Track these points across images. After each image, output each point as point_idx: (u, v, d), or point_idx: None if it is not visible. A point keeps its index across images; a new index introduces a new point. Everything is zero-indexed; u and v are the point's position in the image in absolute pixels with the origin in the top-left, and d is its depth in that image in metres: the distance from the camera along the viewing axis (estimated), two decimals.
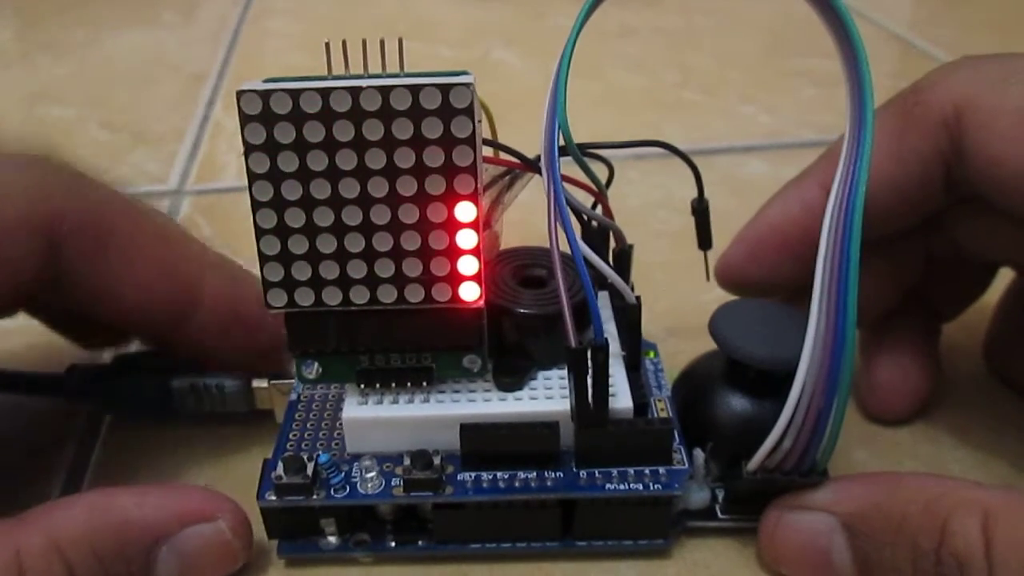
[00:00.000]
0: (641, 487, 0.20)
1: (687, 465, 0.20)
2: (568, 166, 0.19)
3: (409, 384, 0.21)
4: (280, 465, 0.20)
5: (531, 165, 0.21)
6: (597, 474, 0.20)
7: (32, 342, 0.26)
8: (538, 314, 0.21)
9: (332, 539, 0.21)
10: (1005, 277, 0.26)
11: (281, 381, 0.24)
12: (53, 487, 0.24)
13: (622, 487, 0.20)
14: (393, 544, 0.21)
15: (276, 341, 0.23)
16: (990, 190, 0.20)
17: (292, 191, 0.18)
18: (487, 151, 0.20)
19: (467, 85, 0.17)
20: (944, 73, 0.21)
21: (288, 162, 0.18)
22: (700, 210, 0.24)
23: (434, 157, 0.18)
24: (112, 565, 0.18)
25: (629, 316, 0.21)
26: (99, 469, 0.24)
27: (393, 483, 0.20)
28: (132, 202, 0.22)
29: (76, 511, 0.18)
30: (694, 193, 0.24)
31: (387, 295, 0.19)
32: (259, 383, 0.24)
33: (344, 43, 0.17)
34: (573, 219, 0.19)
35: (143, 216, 0.22)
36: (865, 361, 0.25)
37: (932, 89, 0.21)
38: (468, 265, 0.19)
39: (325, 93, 0.17)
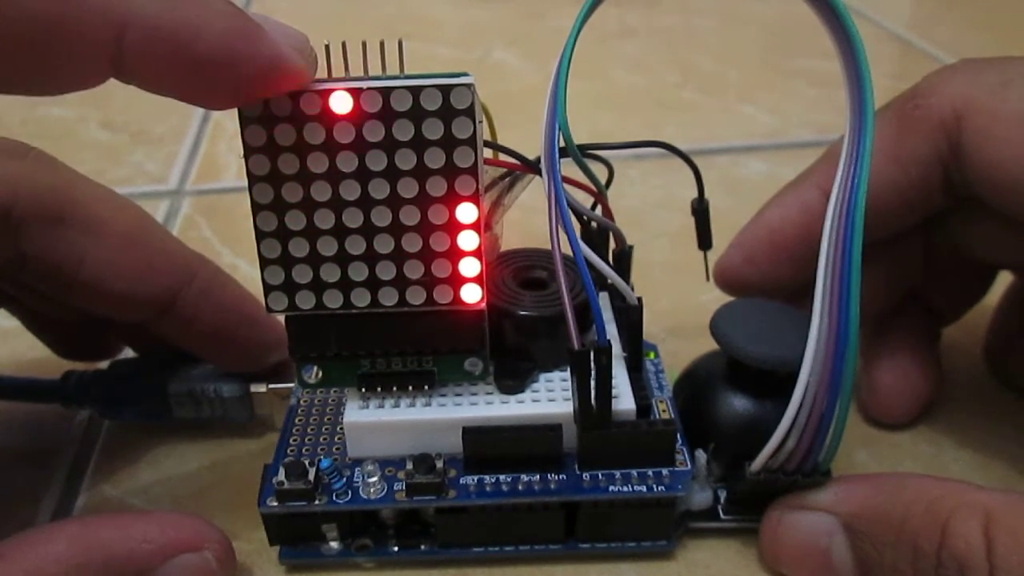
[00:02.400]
0: (644, 489, 0.20)
1: (689, 466, 0.20)
2: (568, 167, 0.19)
3: (411, 388, 0.21)
4: (282, 470, 0.20)
5: (531, 166, 0.21)
6: (600, 476, 0.20)
7: (32, 342, 0.26)
8: (540, 316, 0.21)
9: (334, 544, 0.21)
10: (1005, 278, 0.26)
11: (280, 385, 0.24)
12: (51, 494, 0.24)
13: (625, 489, 0.20)
14: (396, 549, 0.21)
15: (263, 331, 0.23)
16: (988, 193, 0.20)
17: (292, 193, 0.18)
18: (487, 152, 0.20)
19: (468, 86, 0.17)
20: (943, 77, 0.21)
21: (288, 164, 0.18)
22: (700, 210, 0.24)
23: (435, 158, 0.18)
24: None
25: (630, 317, 0.21)
26: (97, 475, 0.24)
27: (395, 487, 0.20)
28: (98, 184, 0.22)
29: (57, 547, 0.17)
30: (694, 193, 0.24)
31: (388, 298, 0.19)
32: (257, 388, 0.24)
33: (344, 44, 0.17)
34: (573, 220, 0.19)
35: (109, 194, 0.22)
36: (866, 365, 0.25)
37: (931, 92, 0.21)
38: (470, 267, 0.19)
39: (325, 95, 0.17)
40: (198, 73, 0.15)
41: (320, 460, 0.20)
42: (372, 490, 0.20)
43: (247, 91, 0.16)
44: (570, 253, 0.19)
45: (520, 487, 0.20)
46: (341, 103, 0.17)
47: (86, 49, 0.14)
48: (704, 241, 0.25)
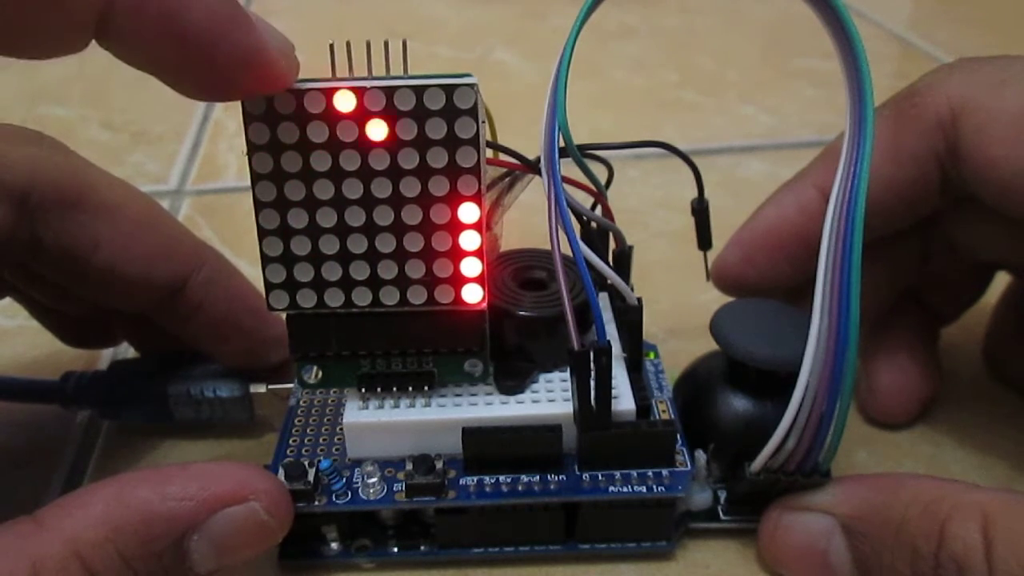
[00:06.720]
0: (644, 489, 0.20)
1: (689, 466, 0.20)
2: (568, 167, 0.19)
3: (411, 388, 0.21)
4: (281, 471, 0.20)
5: (531, 167, 0.21)
6: (600, 477, 0.20)
7: (32, 342, 0.26)
8: (540, 316, 0.21)
9: (334, 545, 0.21)
10: (1004, 277, 0.26)
11: (279, 386, 0.24)
12: (51, 494, 0.24)
13: (625, 489, 0.20)
14: (395, 550, 0.21)
15: (267, 324, 0.23)
16: (986, 191, 0.20)
17: (295, 192, 0.18)
18: (487, 152, 0.20)
19: (471, 86, 0.17)
20: (940, 75, 0.21)
21: (291, 162, 0.18)
22: (700, 210, 0.24)
23: (438, 158, 0.18)
24: (140, 563, 0.17)
25: (630, 317, 0.21)
26: (97, 475, 0.24)
27: (395, 488, 0.20)
28: (109, 173, 0.22)
29: (95, 510, 0.17)
30: (694, 193, 0.24)
31: (389, 297, 0.19)
32: (257, 388, 0.24)
33: (348, 44, 0.17)
34: (573, 220, 0.19)
35: (120, 182, 0.22)
36: (865, 365, 0.25)
37: (928, 91, 0.21)
38: (471, 267, 0.19)
39: (329, 94, 0.17)
40: (181, 46, 0.15)
41: (320, 461, 0.20)
42: (372, 491, 0.20)
43: (223, 78, 0.16)
44: (570, 253, 0.19)
45: (520, 488, 0.20)
46: (345, 102, 0.17)
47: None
48: (704, 241, 0.25)
